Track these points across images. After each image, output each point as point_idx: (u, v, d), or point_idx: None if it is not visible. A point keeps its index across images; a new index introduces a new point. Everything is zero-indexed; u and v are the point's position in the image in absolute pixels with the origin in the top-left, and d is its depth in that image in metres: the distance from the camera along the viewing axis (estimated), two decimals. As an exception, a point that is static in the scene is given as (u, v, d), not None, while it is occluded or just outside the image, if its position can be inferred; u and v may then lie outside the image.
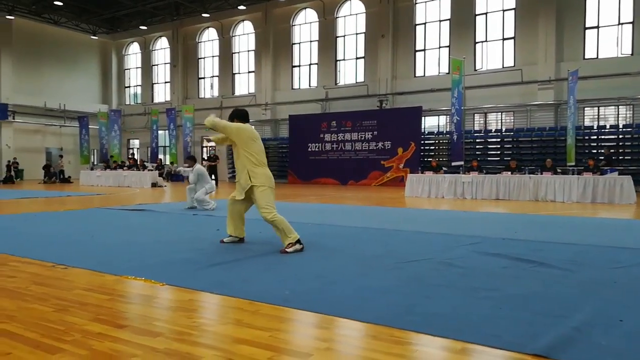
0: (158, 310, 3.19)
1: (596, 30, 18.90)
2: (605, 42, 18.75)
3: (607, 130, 18.27)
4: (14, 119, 27.35)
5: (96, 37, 31.38)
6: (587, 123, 19.18)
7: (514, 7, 20.30)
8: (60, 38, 29.92)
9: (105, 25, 31.00)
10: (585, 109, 19.24)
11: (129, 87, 33.38)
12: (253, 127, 5.67)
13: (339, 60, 24.82)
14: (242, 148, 5.28)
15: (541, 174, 13.31)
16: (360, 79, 24.08)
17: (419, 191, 14.65)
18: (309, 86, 25.70)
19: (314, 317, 3.01)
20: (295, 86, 26.25)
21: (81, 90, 31.36)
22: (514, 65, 20.25)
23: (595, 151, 18.03)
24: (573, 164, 14.81)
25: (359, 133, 22.18)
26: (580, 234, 6.71)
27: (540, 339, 2.58)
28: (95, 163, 27.88)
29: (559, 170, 13.72)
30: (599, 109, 19.20)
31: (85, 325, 2.82)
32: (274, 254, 5.04)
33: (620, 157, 17.33)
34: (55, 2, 25.87)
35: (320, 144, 23.22)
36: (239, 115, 5.58)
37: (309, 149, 23.43)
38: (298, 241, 5.13)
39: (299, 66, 26.14)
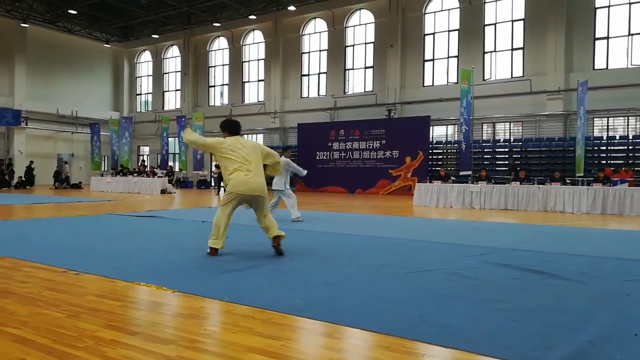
0: (169, 318, 3.21)
1: (606, 40, 18.84)
2: (615, 52, 18.68)
3: (616, 141, 18.15)
4: (26, 125, 27.66)
5: (109, 45, 31.75)
6: (596, 134, 19.07)
7: (523, 17, 20.29)
8: (74, 46, 30.30)
9: (118, 33, 31.38)
10: (595, 119, 19.13)
11: (140, 94, 33.68)
12: (246, 137, 5.78)
13: (348, 70, 24.90)
14: (220, 160, 5.54)
15: (550, 184, 13.23)
16: (369, 88, 24.13)
17: (427, 200, 14.61)
18: (318, 95, 25.80)
19: (325, 326, 3.01)
20: (304, 95, 26.35)
21: (93, 97, 31.68)
22: (523, 76, 20.21)
23: (604, 162, 17.92)
24: (582, 174, 14.72)
25: (367, 142, 22.19)
26: (591, 245, 6.65)
27: (553, 352, 2.55)
28: (105, 169, 28.09)
29: (568, 181, 13.64)
30: (608, 120, 19.08)
31: (98, 332, 2.84)
32: (283, 261, 5.04)
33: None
34: (70, 11, 26.24)
35: (328, 153, 23.25)
36: (231, 126, 5.66)
37: (317, 157, 23.46)
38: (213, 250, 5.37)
39: (308, 75, 26.26)
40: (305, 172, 10.08)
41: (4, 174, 25.03)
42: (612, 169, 13.67)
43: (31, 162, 25.97)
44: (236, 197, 5.39)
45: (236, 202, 5.44)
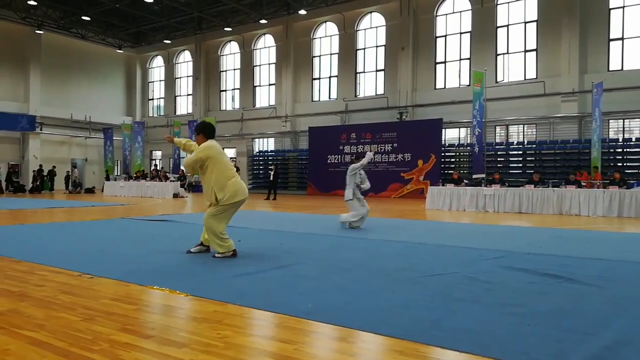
0: (183, 321, 3.22)
1: (621, 41, 18.62)
2: (631, 53, 18.45)
3: (632, 142, 17.90)
4: (41, 130, 28.07)
5: (121, 51, 32.14)
6: (612, 135, 18.83)
7: (536, 19, 20.15)
8: (87, 52, 30.72)
9: (130, 39, 31.74)
10: (610, 121, 18.89)
11: (153, 99, 34.01)
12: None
13: (359, 73, 24.91)
14: (212, 166, 5.40)
15: (565, 187, 13.08)
16: (380, 91, 24.11)
17: (440, 204, 14.52)
18: (329, 98, 25.83)
19: (338, 330, 3.00)
20: (315, 98, 26.40)
21: (106, 103, 32.07)
22: (536, 77, 20.05)
23: (620, 164, 17.68)
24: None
25: (378, 145, 22.15)
26: (607, 249, 6.55)
27: (569, 357, 2.52)
28: (118, 174, 28.37)
29: (583, 184, 13.47)
30: (624, 122, 18.84)
31: (113, 335, 2.86)
32: (295, 265, 5.04)
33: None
34: (83, 17, 26.63)
35: (339, 156, 23.25)
36: (211, 129, 5.61)
37: (329, 161, 23.46)
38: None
39: (319, 79, 26.31)
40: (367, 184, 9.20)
41: (18, 179, 25.38)
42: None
43: (54, 166, 26.32)
44: (238, 205, 5.46)
45: (236, 210, 5.54)
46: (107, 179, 25.66)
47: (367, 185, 9.10)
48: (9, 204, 15.29)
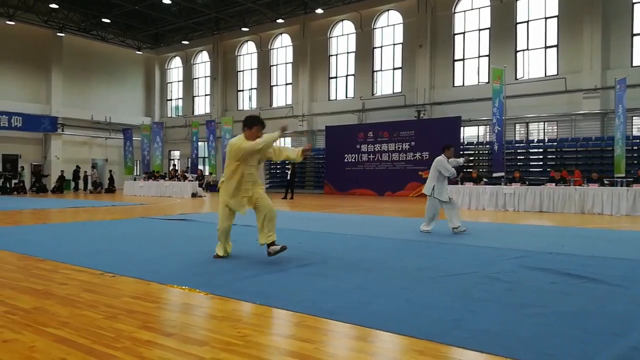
0: (203, 320, 3.25)
1: (645, 36, 18.21)
2: (655, 48, 18.02)
3: (657, 139, 17.49)
4: (62, 131, 28.59)
5: (141, 52, 32.54)
6: (635, 133, 18.41)
7: (557, 14, 19.80)
8: (107, 54, 31.17)
9: (149, 40, 32.13)
10: (634, 118, 18.47)
11: (171, 100, 34.37)
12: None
13: (376, 71, 24.80)
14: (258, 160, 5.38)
15: (587, 185, 12.84)
16: (398, 89, 23.96)
17: (459, 202, 14.31)
18: (346, 97, 25.77)
19: (358, 330, 2.99)
20: (332, 97, 26.37)
21: (126, 104, 32.51)
22: (557, 74, 19.70)
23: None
24: (623, 175, 14.21)
25: (396, 143, 22.04)
26: (632, 248, 6.41)
27: (594, 358, 2.47)
28: (138, 174, 28.75)
29: (606, 182, 13.20)
30: (648, 118, 18.42)
31: (134, 333, 2.90)
32: (314, 265, 5.04)
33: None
34: (103, 20, 27.05)
35: (356, 155, 23.19)
36: (259, 121, 5.35)
37: (346, 160, 23.42)
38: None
39: (336, 77, 26.27)
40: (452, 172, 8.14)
41: (42, 180, 25.87)
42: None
43: (62, 172, 26.75)
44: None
45: None
46: (134, 179, 25.85)
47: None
48: (32, 204, 15.61)
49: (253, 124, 5.25)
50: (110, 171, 28.34)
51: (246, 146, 5.13)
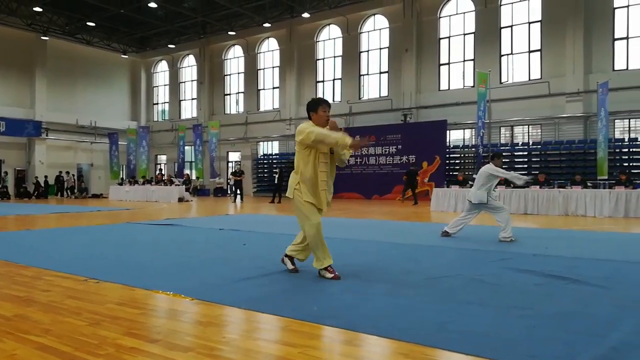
0: (188, 325, 3.22)
1: (626, 41, 18.53)
2: (636, 52, 18.34)
3: (638, 142, 17.78)
4: (47, 135, 28.23)
5: (126, 56, 32.29)
6: (617, 135, 18.72)
7: (540, 19, 20.08)
8: (92, 57, 30.88)
9: (135, 44, 31.91)
10: (616, 121, 18.78)
11: (157, 104, 34.13)
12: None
13: (363, 75, 24.91)
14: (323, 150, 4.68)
15: (571, 187, 13.01)
16: (384, 93, 24.09)
17: (445, 205, 14.48)
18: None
19: (343, 333, 2.98)
20: (319, 101, 26.35)
21: (112, 108, 32.21)
22: (541, 78, 19.97)
23: (626, 164, 17.57)
24: (606, 177, 14.45)
25: (383, 147, 22.13)
26: (614, 250, 6.51)
27: (577, 359, 2.50)
28: (123, 178, 28.50)
29: (589, 184, 13.39)
30: (629, 121, 18.73)
31: (118, 340, 2.86)
32: (300, 269, 5.03)
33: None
34: (88, 23, 26.79)
35: (344, 159, 23.18)
36: (321, 100, 4.84)
37: (333, 164, 23.41)
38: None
39: (323, 81, 26.34)
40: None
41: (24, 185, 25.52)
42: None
43: (45, 176, 26.40)
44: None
45: None
46: (121, 183, 25.58)
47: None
48: (15, 210, 15.37)
49: (317, 104, 4.72)
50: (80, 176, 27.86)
51: (318, 130, 4.57)
